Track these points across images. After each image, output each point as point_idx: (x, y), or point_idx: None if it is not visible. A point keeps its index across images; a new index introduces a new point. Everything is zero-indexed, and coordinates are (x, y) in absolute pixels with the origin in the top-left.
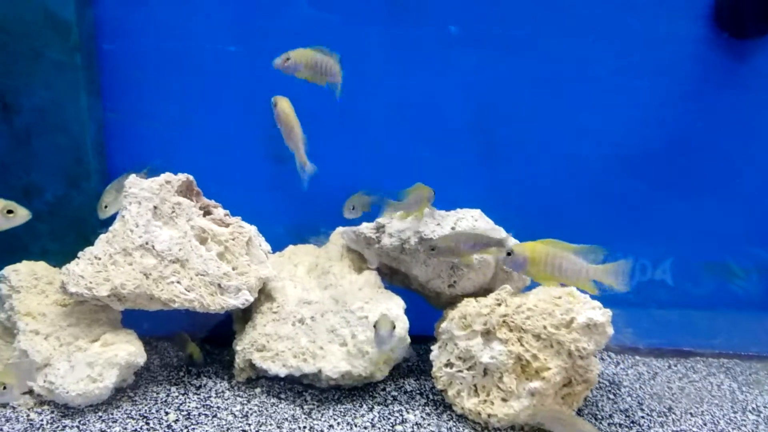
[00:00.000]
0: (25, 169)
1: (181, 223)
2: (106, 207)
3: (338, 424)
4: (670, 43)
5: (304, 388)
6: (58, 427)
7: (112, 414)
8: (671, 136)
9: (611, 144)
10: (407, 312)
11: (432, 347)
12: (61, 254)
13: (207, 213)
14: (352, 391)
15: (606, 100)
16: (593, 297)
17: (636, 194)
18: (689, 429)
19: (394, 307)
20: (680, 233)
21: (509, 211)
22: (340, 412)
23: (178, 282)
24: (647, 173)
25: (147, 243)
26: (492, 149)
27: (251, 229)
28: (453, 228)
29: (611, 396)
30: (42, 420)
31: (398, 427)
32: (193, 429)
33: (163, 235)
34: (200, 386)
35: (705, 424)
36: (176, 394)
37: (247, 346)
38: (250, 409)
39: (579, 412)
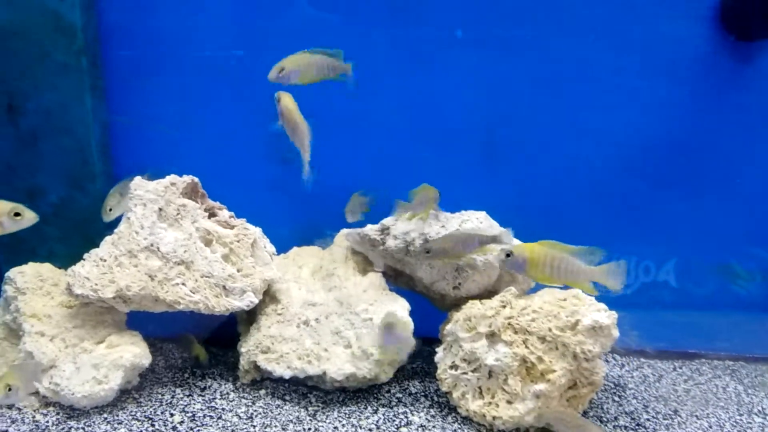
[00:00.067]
0: (31, 171)
1: (186, 225)
2: (110, 210)
3: (343, 426)
4: (674, 44)
5: (309, 390)
6: (63, 428)
7: (117, 416)
8: (675, 137)
9: (615, 145)
10: (412, 314)
11: (437, 349)
12: (66, 256)
13: (212, 215)
14: (356, 392)
15: (609, 101)
16: (598, 298)
17: (639, 195)
18: None
19: (399, 309)
20: (684, 234)
21: (513, 212)
22: (345, 413)
23: (183, 284)
24: (651, 174)
25: (152, 245)
26: (496, 150)
27: (256, 231)
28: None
29: (616, 398)
30: (47, 421)
31: (403, 429)
32: (198, 431)
33: (168, 237)
34: (205, 388)
35: (711, 427)
36: (181, 395)
37: (251, 348)
38: (255, 410)
39: (584, 415)
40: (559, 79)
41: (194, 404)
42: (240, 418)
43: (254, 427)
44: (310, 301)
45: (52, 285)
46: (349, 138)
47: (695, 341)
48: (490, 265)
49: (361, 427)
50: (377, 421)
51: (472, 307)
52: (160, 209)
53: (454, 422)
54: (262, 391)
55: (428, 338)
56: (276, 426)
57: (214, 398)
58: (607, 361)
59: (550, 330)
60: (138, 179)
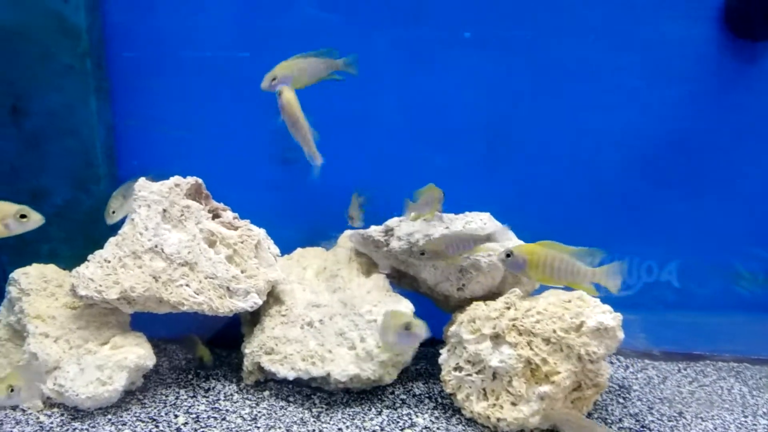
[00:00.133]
0: (35, 173)
1: (190, 227)
2: (113, 212)
3: (347, 427)
4: (678, 45)
5: (313, 391)
6: (67, 429)
7: (121, 417)
8: (678, 137)
9: (618, 145)
10: (415, 316)
11: (440, 351)
12: (70, 257)
13: (216, 216)
14: (360, 394)
15: (612, 102)
16: (601, 299)
17: (642, 195)
18: None
19: (403, 310)
20: (686, 235)
21: (517, 212)
22: (349, 415)
23: (187, 285)
24: (655, 174)
25: (156, 246)
26: (500, 151)
27: (260, 232)
28: None
29: (621, 400)
30: (52, 422)
31: (407, 431)
32: None
33: (172, 239)
34: (209, 389)
35: (716, 429)
36: (185, 396)
37: (255, 349)
38: (259, 412)
39: (589, 416)
40: (561, 80)
41: (198, 405)
42: (244, 419)
43: (258, 428)
44: (314, 302)
45: (57, 286)
46: (352, 139)
47: (699, 342)
48: (494, 266)
49: (365, 429)
50: (381, 423)
51: (477, 309)
52: (165, 210)
53: (458, 424)
54: (266, 393)
55: (432, 339)
56: (280, 427)
57: (218, 399)
58: (611, 362)
59: (554, 331)
60: (142, 180)
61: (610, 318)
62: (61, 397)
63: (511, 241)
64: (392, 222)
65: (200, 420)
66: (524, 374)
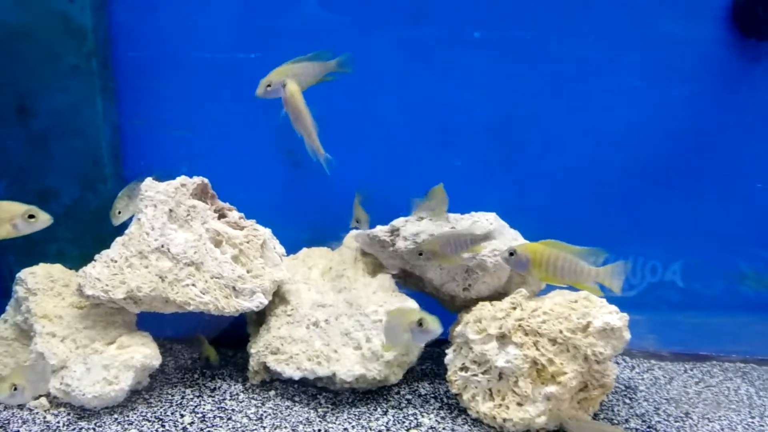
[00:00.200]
0: (42, 173)
1: (196, 226)
2: (119, 213)
3: (353, 427)
4: (685, 45)
5: (318, 391)
6: (74, 429)
7: (127, 416)
8: (683, 137)
9: (623, 145)
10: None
11: (446, 351)
12: (77, 257)
13: (222, 216)
14: (366, 394)
15: (619, 102)
16: (607, 300)
17: (649, 196)
18: None
19: (412, 306)
20: (691, 235)
21: (523, 212)
22: (355, 415)
23: (193, 285)
24: (662, 175)
25: (162, 246)
26: (505, 152)
27: (266, 232)
28: None
29: (627, 400)
30: (58, 422)
31: (413, 431)
32: (209, 431)
33: (178, 238)
34: (215, 389)
35: (722, 430)
36: (191, 396)
37: (261, 349)
38: (265, 411)
39: (595, 417)
40: (565, 80)
41: (204, 405)
42: (250, 419)
43: (264, 428)
44: (319, 302)
45: (63, 286)
46: (357, 139)
47: (705, 343)
48: (500, 266)
49: (371, 429)
50: (387, 423)
51: (483, 309)
52: (171, 210)
53: (464, 424)
54: (272, 392)
55: (437, 339)
56: (286, 427)
57: (224, 399)
58: (617, 363)
59: (561, 332)
60: (149, 180)
61: (617, 318)
62: (68, 396)
63: (509, 238)
64: (398, 222)
65: (206, 419)
66: (530, 374)
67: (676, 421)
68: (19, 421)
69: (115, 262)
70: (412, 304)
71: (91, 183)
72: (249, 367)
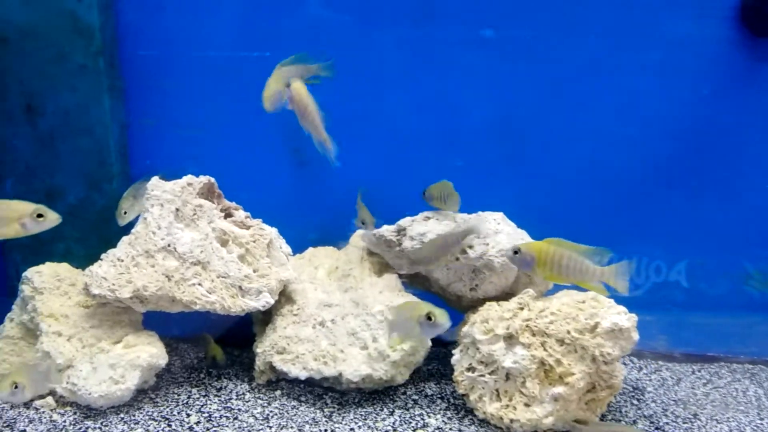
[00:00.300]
0: (49, 172)
1: (202, 226)
2: (125, 213)
3: (359, 427)
4: (694, 44)
5: (324, 391)
6: (80, 428)
7: (133, 416)
8: (692, 137)
9: (630, 146)
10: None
11: (453, 351)
12: (83, 256)
13: (228, 215)
14: (372, 394)
15: (626, 102)
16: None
17: (654, 196)
18: None
19: (417, 300)
20: (696, 235)
21: (528, 212)
22: (361, 415)
23: (200, 284)
24: (667, 175)
25: (169, 245)
26: (512, 151)
27: (272, 232)
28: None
29: (635, 402)
30: (65, 421)
31: (419, 431)
32: (215, 431)
33: (184, 238)
34: (221, 388)
35: (731, 431)
36: (197, 395)
37: (267, 349)
38: (271, 411)
39: (602, 418)
40: (573, 79)
41: (210, 404)
42: (256, 418)
43: (270, 428)
44: (325, 301)
45: (70, 285)
46: (364, 139)
47: (712, 344)
48: (507, 266)
49: (377, 429)
50: (393, 423)
51: (490, 309)
52: (177, 209)
53: (471, 425)
54: (278, 392)
55: (444, 340)
56: (292, 427)
57: (230, 399)
58: (624, 363)
59: (568, 332)
60: (155, 179)
61: (625, 319)
62: (74, 395)
63: (517, 238)
64: (405, 222)
65: (212, 419)
66: (538, 375)
67: (684, 423)
68: (26, 420)
69: (122, 261)
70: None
71: (98, 182)
72: (255, 367)
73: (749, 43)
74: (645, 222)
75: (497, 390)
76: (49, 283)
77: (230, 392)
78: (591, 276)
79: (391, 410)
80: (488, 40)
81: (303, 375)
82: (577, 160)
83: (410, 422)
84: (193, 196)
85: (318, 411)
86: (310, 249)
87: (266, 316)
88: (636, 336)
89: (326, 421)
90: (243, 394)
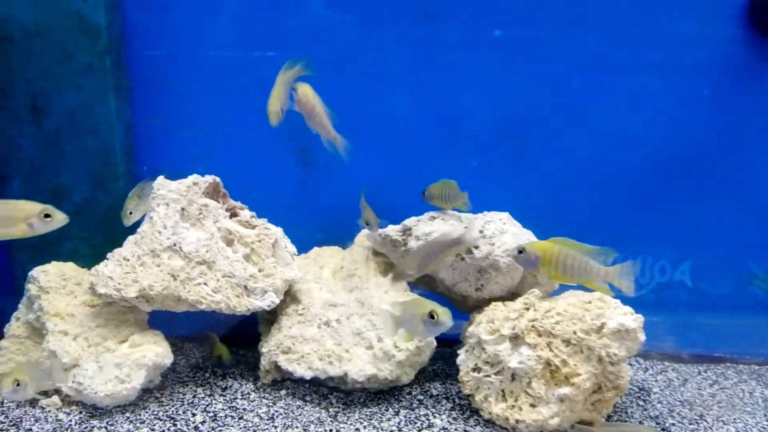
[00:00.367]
0: (54, 171)
1: (208, 225)
2: (130, 213)
3: (364, 427)
4: (702, 44)
5: (329, 391)
6: (86, 427)
7: (139, 415)
8: (694, 136)
9: (635, 145)
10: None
11: (458, 351)
12: (89, 256)
13: (233, 215)
14: (377, 394)
15: (631, 102)
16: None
17: (660, 196)
18: None
19: (421, 298)
20: (700, 235)
21: (534, 211)
22: (366, 415)
23: (205, 284)
24: (673, 175)
25: (175, 244)
26: (516, 151)
27: (277, 231)
28: (481, 231)
29: (641, 402)
30: (70, 420)
31: None
32: (220, 431)
33: (190, 237)
34: (226, 387)
35: None
36: (202, 395)
37: (272, 348)
38: (276, 411)
39: (608, 419)
40: (578, 79)
41: (216, 404)
42: (261, 418)
43: (275, 427)
44: (331, 301)
45: (75, 284)
46: (370, 139)
47: (718, 344)
48: (513, 266)
49: (382, 429)
50: (399, 423)
51: (495, 309)
52: (183, 209)
53: (476, 425)
54: (283, 392)
55: (448, 340)
56: (297, 427)
57: (236, 398)
58: (630, 364)
59: (574, 333)
60: (161, 179)
61: (632, 320)
62: (80, 394)
63: (523, 239)
64: (410, 221)
65: (218, 419)
66: (543, 376)
67: (690, 424)
68: (32, 419)
69: (128, 260)
70: None
71: (103, 182)
72: (260, 367)
73: (756, 42)
74: (649, 222)
75: (503, 390)
76: (55, 282)
77: (235, 392)
78: (595, 276)
79: (396, 410)
80: (494, 40)
81: (308, 375)
82: (581, 160)
83: (415, 422)
84: (198, 195)
85: (323, 411)
86: (315, 249)
87: (271, 316)
88: (642, 337)
89: (331, 421)
90: (248, 393)
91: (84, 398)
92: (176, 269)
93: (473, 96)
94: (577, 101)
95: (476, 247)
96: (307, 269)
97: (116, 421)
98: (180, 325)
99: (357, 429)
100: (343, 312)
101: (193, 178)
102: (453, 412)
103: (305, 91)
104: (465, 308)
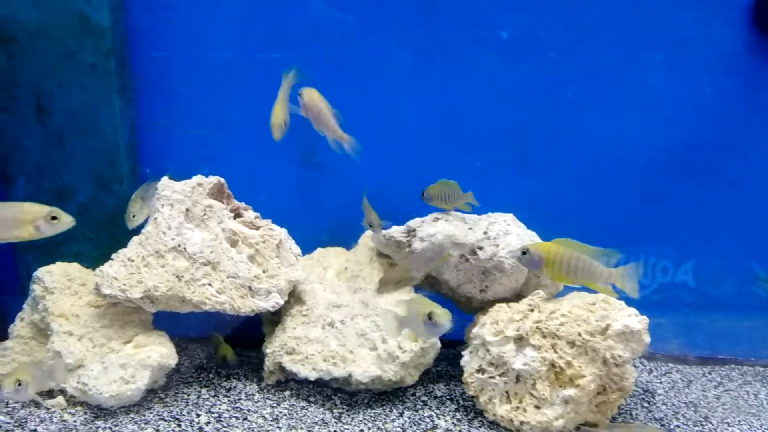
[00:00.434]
0: (59, 172)
1: (212, 226)
2: (133, 216)
3: (368, 428)
4: (706, 45)
5: (334, 392)
6: (91, 428)
7: (144, 416)
8: (699, 137)
9: (639, 146)
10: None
11: (462, 352)
12: (94, 256)
13: (237, 215)
14: (381, 395)
15: (636, 103)
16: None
17: (663, 197)
18: None
19: (424, 298)
20: (703, 235)
21: (537, 212)
22: (370, 416)
23: (210, 284)
24: (676, 175)
25: (179, 245)
26: (524, 153)
27: (281, 232)
28: (485, 233)
29: (645, 404)
30: (75, 421)
31: None
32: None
33: (194, 238)
34: (230, 388)
35: None
36: (206, 396)
37: (276, 349)
38: (280, 412)
39: (613, 421)
40: (585, 81)
41: (220, 405)
42: (266, 419)
43: (280, 428)
44: (335, 302)
45: (80, 285)
46: (375, 140)
47: (722, 346)
48: (517, 268)
49: (386, 430)
50: (403, 424)
51: (500, 311)
52: (187, 210)
53: (480, 426)
54: (287, 393)
55: (452, 341)
56: (302, 428)
57: (240, 399)
58: (634, 365)
59: (579, 334)
60: (165, 179)
61: (636, 321)
62: (85, 395)
63: (527, 240)
64: (414, 223)
65: (222, 419)
66: (548, 377)
67: (695, 426)
68: (37, 419)
69: (132, 261)
70: None
71: (107, 182)
72: (264, 367)
73: (761, 44)
74: (652, 222)
75: (507, 392)
76: (59, 282)
77: (239, 392)
78: (599, 277)
79: (400, 411)
80: (499, 41)
81: (312, 375)
82: (585, 161)
83: (420, 423)
84: (203, 196)
85: (327, 412)
86: (319, 249)
87: (276, 317)
88: (647, 338)
89: (335, 422)
90: (252, 394)
91: (89, 399)
92: (181, 270)
93: (477, 97)
94: (581, 102)
95: (481, 249)
96: (311, 270)
97: (121, 421)
98: (184, 326)
99: (361, 430)
100: (348, 313)
101: (198, 179)
102: (457, 414)
103: (311, 95)
104: (469, 310)
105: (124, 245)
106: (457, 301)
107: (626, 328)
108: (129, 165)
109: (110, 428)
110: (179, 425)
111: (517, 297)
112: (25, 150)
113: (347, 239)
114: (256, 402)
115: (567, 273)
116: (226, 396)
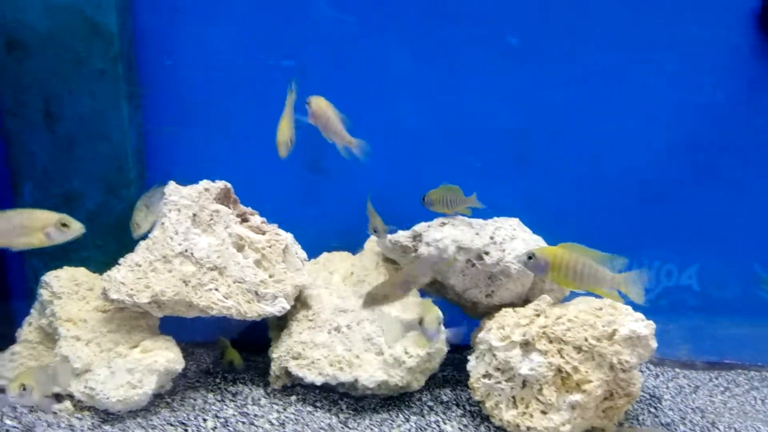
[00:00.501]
0: (67, 177)
1: (219, 231)
2: (138, 225)
3: None
4: (713, 49)
5: (340, 397)
6: None
7: (151, 420)
8: (702, 140)
9: (642, 150)
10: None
11: (468, 357)
12: (101, 261)
13: (244, 220)
14: (387, 400)
15: (640, 106)
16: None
17: (666, 200)
18: None
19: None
20: (708, 239)
21: (543, 216)
22: (377, 421)
23: (216, 289)
24: (680, 178)
25: (186, 250)
26: (529, 157)
27: (288, 237)
28: (491, 238)
29: (652, 409)
30: (83, 426)
31: None
32: None
33: (201, 243)
34: (236, 393)
35: None
36: (213, 401)
37: (283, 354)
38: (287, 417)
39: (620, 426)
40: (590, 85)
41: (226, 410)
42: (272, 424)
43: None
44: (341, 307)
45: (88, 289)
46: (380, 145)
47: (728, 351)
48: (523, 273)
49: None
50: (409, 430)
51: (506, 316)
52: (194, 215)
53: (487, 431)
54: (293, 397)
55: (459, 345)
56: None
57: (246, 404)
58: (641, 371)
59: (586, 339)
60: (172, 184)
61: (643, 326)
62: (92, 400)
63: (532, 244)
64: (420, 227)
65: (229, 424)
66: (555, 382)
67: (702, 431)
68: (44, 424)
69: (140, 266)
70: None
71: (116, 188)
72: (270, 372)
73: (765, 47)
74: (656, 225)
75: (514, 397)
76: (67, 287)
77: (246, 397)
78: (605, 283)
79: (406, 416)
80: (502, 44)
81: (319, 380)
82: (585, 162)
83: (426, 429)
84: (209, 201)
85: (333, 417)
86: (325, 254)
87: (282, 321)
88: (654, 344)
89: (342, 427)
90: (258, 399)
91: (96, 403)
92: (188, 275)
93: (484, 101)
94: (586, 107)
95: (487, 254)
96: (317, 275)
97: (128, 426)
98: (191, 331)
99: None
100: (354, 318)
101: (205, 183)
102: (464, 419)
103: (319, 103)
104: (475, 314)
105: (132, 250)
106: (463, 306)
107: (633, 334)
108: (137, 170)
109: None
110: (186, 430)
111: (524, 302)
112: (34, 155)
113: (353, 244)
114: (263, 407)
115: (573, 278)
116: (232, 401)
